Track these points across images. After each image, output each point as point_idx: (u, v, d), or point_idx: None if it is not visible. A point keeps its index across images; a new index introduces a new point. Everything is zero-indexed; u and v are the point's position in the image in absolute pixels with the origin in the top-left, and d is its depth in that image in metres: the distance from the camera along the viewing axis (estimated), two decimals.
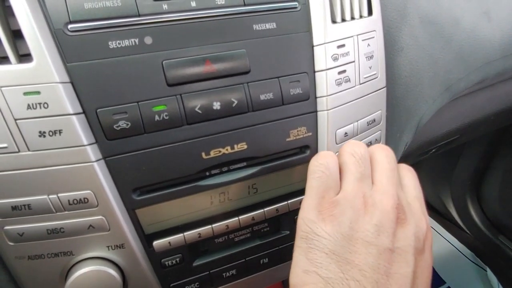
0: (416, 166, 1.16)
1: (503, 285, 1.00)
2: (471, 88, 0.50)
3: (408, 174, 0.33)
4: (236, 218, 0.34)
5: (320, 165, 0.30)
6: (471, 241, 1.16)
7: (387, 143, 0.41)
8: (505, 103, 0.60)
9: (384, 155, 0.32)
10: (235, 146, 0.32)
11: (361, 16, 0.36)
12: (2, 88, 0.25)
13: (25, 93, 0.26)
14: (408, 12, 0.43)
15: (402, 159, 0.49)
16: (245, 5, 0.31)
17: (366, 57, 0.37)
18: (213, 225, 0.33)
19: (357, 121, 0.37)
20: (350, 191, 0.29)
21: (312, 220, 0.28)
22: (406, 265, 0.27)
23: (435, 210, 1.25)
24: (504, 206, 1.05)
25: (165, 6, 0.29)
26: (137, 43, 0.28)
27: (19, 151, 0.26)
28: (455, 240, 1.19)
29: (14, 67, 0.26)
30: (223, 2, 0.31)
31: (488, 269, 1.05)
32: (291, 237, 0.38)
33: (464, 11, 0.47)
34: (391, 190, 0.29)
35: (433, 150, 0.65)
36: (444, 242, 1.19)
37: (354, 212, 0.28)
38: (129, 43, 0.28)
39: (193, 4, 0.30)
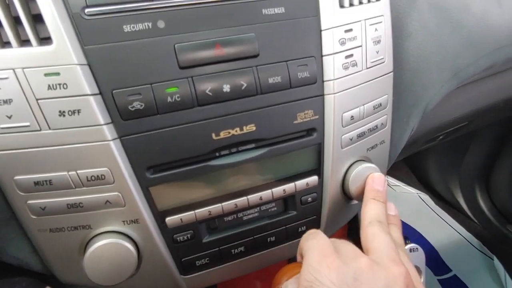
0: (425, 154, 1.14)
1: (509, 274, 1.00)
2: (479, 74, 0.50)
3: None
4: (245, 198, 0.35)
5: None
6: (478, 230, 1.16)
7: (393, 127, 0.42)
8: None
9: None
10: (244, 127, 0.33)
11: (369, 1, 0.37)
12: (25, 70, 0.27)
13: (46, 74, 0.27)
14: None
15: (408, 145, 0.50)
16: None
17: (373, 42, 0.37)
18: (223, 204, 0.35)
19: (363, 105, 0.37)
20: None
21: (316, 269, 0.28)
22: None
23: (442, 199, 1.25)
24: None
25: None
26: (150, 27, 0.29)
27: (40, 130, 0.28)
28: (462, 229, 1.19)
29: (35, 50, 0.27)
30: None
31: (495, 258, 1.06)
32: (297, 217, 0.39)
33: None
34: (397, 258, 0.29)
35: (441, 137, 0.65)
36: (451, 231, 1.19)
37: (358, 266, 0.28)
38: (143, 27, 0.29)
39: None
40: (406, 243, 0.49)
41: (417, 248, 0.47)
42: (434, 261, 1.10)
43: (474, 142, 1.06)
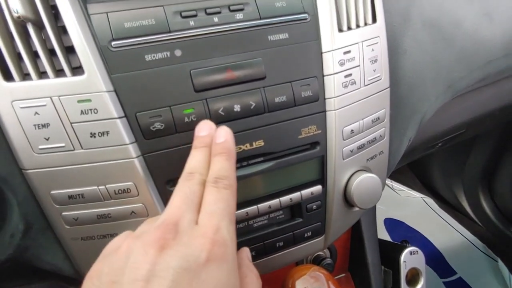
0: (428, 159, 1.17)
1: None
2: (473, 86, 0.53)
3: (212, 192, 0.29)
4: (255, 206, 0.39)
5: None
6: (482, 233, 1.18)
7: (391, 138, 0.45)
8: (511, 98, 0.63)
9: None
10: (254, 143, 0.36)
11: (365, 24, 0.40)
12: (60, 97, 0.30)
13: (79, 101, 0.31)
14: (411, 17, 0.46)
15: (408, 153, 0.53)
16: (260, 18, 0.36)
17: (370, 61, 0.40)
18: (235, 212, 0.38)
19: (362, 119, 0.41)
20: None
21: None
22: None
23: (446, 202, 1.27)
24: None
25: (191, 23, 0.34)
26: (168, 56, 0.33)
27: (74, 149, 0.32)
28: (467, 232, 1.21)
29: (69, 79, 0.31)
30: (242, 17, 0.35)
31: (499, 260, 1.08)
32: (303, 224, 0.42)
33: (466, 13, 0.50)
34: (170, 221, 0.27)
35: (440, 144, 0.68)
36: (456, 233, 1.21)
37: (112, 258, 0.27)
38: (162, 55, 0.33)
39: (216, 19, 0.34)
40: (406, 246, 0.52)
41: (417, 251, 0.50)
42: (439, 264, 1.12)
43: (475, 146, 1.08)
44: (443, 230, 1.23)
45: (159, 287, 0.23)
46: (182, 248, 0.25)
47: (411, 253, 0.50)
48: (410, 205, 1.32)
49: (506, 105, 0.62)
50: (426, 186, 1.33)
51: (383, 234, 1.22)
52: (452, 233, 1.21)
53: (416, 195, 1.35)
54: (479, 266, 1.10)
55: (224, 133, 0.33)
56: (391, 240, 1.18)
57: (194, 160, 0.32)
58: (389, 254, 0.53)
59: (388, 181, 1.41)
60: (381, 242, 0.55)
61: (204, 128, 0.33)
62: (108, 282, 0.25)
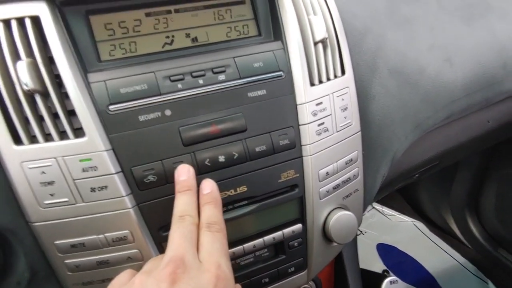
0: (417, 184, 1.21)
1: None
2: (440, 123, 0.58)
3: (207, 235, 0.33)
4: (241, 246, 0.42)
5: None
6: (472, 255, 1.20)
7: (365, 176, 0.49)
8: (479, 131, 0.68)
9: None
10: (237, 189, 0.40)
11: (335, 76, 0.45)
12: (64, 158, 0.35)
13: (81, 160, 0.35)
14: (377, 66, 0.52)
15: (386, 186, 0.57)
16: (240, 78, 0.41)
17: (341, 109, 0.45)
18: None
19: (336, 161, 0.45)
20: None
21: None
22: None
23: (436, 226, 1.30)
24: (501, 221, 1.10)
25: (179, 85, 0.38)
26: (160, 115, 0.37)
27: (76, 203, 0.35)
28: (458, 255, 1.23)
29: (72, 141, 0.35)
30: (224, 78, 0.40)
31: (489, 282, 1.10)
32: (286, 260, 0.46)
33: (428, 60, 0.55)
34: (177, 259, 0.30)
35: (416, 175, 0.72)
36: (447, 257, 1.23)
37: None
38: (154, 116, 0.37)
39: (201, 81, 0.39)
40: (386, 276, 0.55)
41: (396, 281, 0.54)
42: None
43: (458, 172, 1.13)
44: (435, 253, 1.25)
45: None
46: (192, 281, 0.29)
47: (391, 282, 0.54)
48: (402, 230, 1.35)
49: (475, 137, 0.67)
50: (416, 211, 1.37)
51: (376, 259, 1.24)
52: (444, 257, 1.23)
53: (407, 220, 1.38)
54: None
55: (209, 185, 0.37)
56: (384, 266, 1.21)
57: (182, 203, 0.35)
58: (371, 284, 0.56)
59: (379, 207, 1.44)
60: (363, 271, 0.58)
61: (183, 172, 0.37)
62: None
